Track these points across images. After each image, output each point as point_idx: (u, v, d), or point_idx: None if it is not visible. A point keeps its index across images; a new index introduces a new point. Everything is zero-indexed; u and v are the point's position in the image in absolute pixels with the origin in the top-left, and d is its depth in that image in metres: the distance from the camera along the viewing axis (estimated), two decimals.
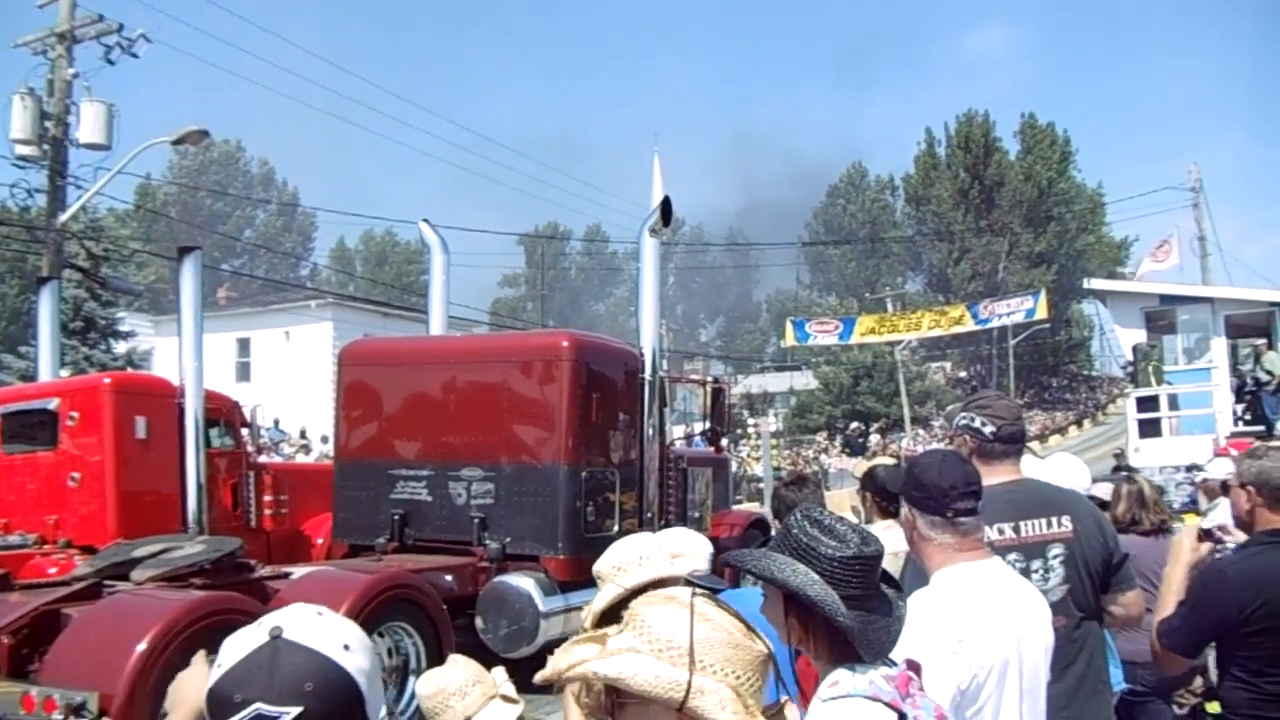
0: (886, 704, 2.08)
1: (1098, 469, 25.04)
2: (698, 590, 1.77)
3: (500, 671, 2.76)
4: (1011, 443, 3.50)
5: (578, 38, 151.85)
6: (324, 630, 1.48)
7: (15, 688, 5.79)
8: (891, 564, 3.75)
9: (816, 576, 2.19)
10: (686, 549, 3.06)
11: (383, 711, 1.53)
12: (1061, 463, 4.91)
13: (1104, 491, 6.30)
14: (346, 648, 1.47)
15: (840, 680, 2.15)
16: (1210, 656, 4.96)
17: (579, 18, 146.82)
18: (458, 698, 2.64)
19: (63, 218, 18.86)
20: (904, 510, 2.97)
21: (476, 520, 9.64)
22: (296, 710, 1.39)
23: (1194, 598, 3.53)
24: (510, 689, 2.69)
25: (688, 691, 1.70)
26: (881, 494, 4.68)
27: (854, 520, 2.30)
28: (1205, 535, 3.83)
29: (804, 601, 2.17)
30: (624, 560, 2.88)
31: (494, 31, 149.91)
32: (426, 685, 2.69)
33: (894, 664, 2.18)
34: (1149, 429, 18.71)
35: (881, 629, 2.16)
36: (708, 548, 3.19)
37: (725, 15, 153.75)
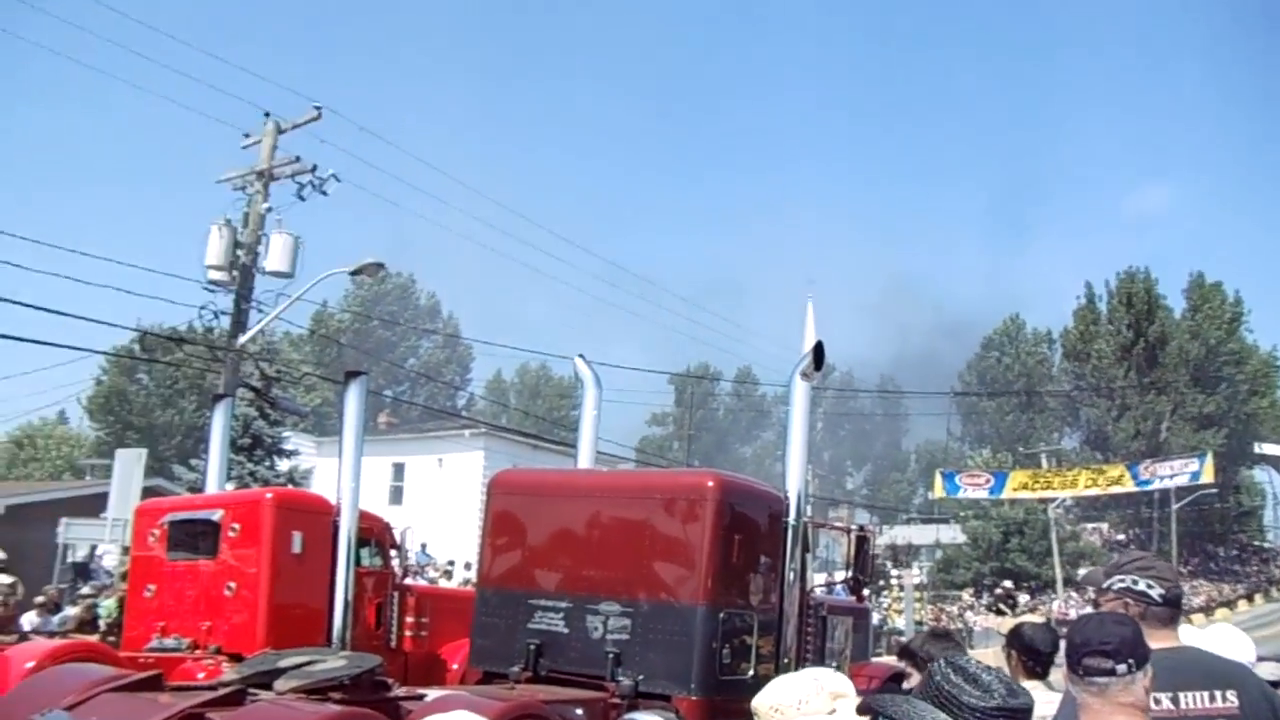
0: None
1: (1270, 649, 23.35)
2: None
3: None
4: (1178, 606, 3.36)
5: (739, 187, 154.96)
6: None
7: None
8: None
9: None
10: (848, 689, 3.02)
11: None
12: (1223, 633, 4.63)
13: (1268, 671, 5.89)
14: None
15: None
16: None
17: (740, 173, 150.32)
18: (796, 709, 2.71)
19: (243, 339, 20.03)
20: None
21: (611, 655, 9.57)
22: None
23: None
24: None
25: None
26: (1027, 652, 4.50)
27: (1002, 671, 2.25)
28: None
29: None
30: (783, 702, 2.86)
31: (664, 173, 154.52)
32: (763, 696, 2.77)
33: None
34: None
35: None
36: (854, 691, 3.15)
37: (878, 164, 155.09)
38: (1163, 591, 3.33)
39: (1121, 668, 2.75)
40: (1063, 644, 2.99)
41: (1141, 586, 3.37)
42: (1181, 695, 3.20)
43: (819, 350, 10.83)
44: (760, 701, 2.91)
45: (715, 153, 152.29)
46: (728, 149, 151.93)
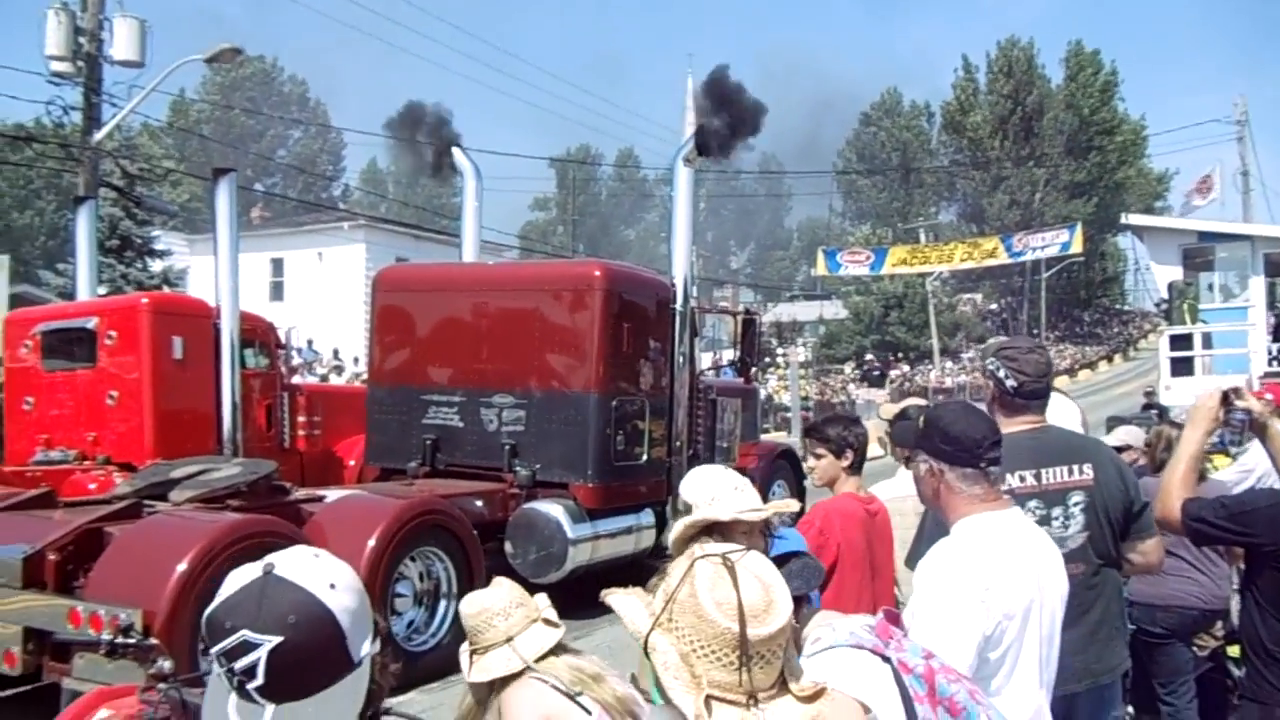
0: (869, 649, 2.17)
1: (1127, 404, 24.98)
2: (736, 552, 1.83)
3: (543, 597, 2.85)
4: (1033, 398, 3.52)
5: None
6: (314, 569, 1.59)
7: (62, 603, 5.98)
8: (917, 521, 3.81)
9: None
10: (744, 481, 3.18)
11: (365, 647, 1.62)
12: (1055, 406, 4.87)
13: (1132, 436, 6.32)
14: (332, 586, 1.58)
15: (820, 635, 2.25)
16: (1233, 601, 5.03)
17: None
18: (501, 618, 2.72)
19: (98, 136, 18.92)
20: (924, 464, 2.95)
21: (507, 447, 9.78)
22: (277, 639, 1.50)
23: (1242, 505, 3.54)
24: (552, 614, 2.78)
25: (644, 642, 1.79)
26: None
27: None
28: (1226, 399, 3.72)
29: None
30: (696, 498, 3.01)
31: None
32: (470, 605, 2.77)
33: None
34: (1181, 367, 18.56)
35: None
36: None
37: None
38: (1016, 384, 3.49)
39: (1001, 453, 2.90)
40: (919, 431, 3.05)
41: (1001, 374, 3.53)
42: (1043, 471, 3.41)
43: (701, 134, 10.74)
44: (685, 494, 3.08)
45: None
46: None
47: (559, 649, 2.66)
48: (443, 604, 7.96)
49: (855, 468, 4.35)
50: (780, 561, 2.38)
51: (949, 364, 51.39)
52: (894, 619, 2.28)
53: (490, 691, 2.67)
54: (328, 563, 1.62)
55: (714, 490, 3.04)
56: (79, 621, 5.69)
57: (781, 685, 1.75)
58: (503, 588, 2.83)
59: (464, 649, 2.78)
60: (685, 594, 1.75)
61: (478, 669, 2.69)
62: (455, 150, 13.01)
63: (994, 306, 68.41)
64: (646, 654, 1.79)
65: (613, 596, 1.94)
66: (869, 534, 4.19)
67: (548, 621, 2.74)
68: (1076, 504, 3.40)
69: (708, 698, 1.69)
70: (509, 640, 2.69)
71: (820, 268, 48.85)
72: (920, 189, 69.79)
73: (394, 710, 1.87)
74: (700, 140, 10.65)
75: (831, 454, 4.32)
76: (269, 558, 1.59)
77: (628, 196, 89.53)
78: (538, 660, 2.63)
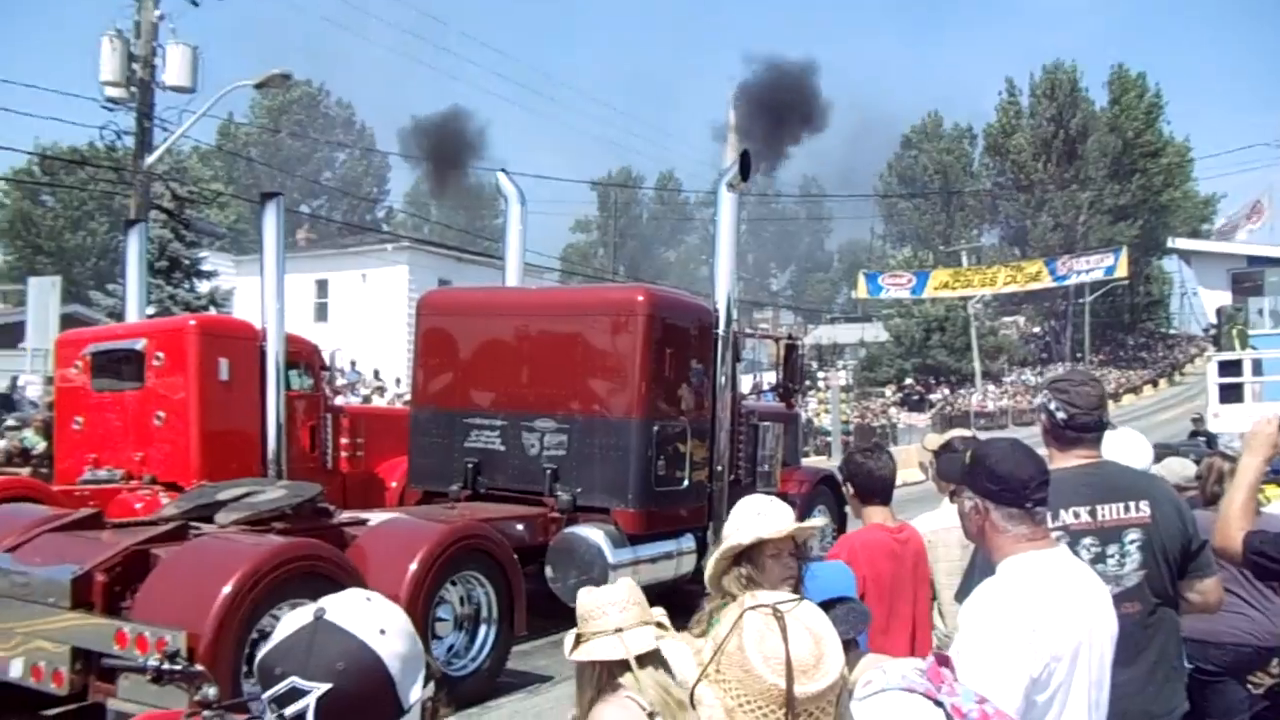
0: (921, 694, 2.12)
1: (1173, 430, 24.63)
2: (784, 604, 1.79)
3: (660, 610, 2.86)
4: (1085, 431, 3.46)
5: None
6: (365, 615, 1.59)
7: (109, 624, 6.04)
8: (961, 555, 3.75)
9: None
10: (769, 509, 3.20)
11: (415, 692, 1.61)
12: (1125, 440, 4.78)
13: (1178, 466, 6.20)
14: (382, 632, 1.57)
15: (871, 679, 2.21)
16: None
17: None
18: (616, 609, 2.74)
19: (150, 159, 19.25)
20: (969, 501, 2.89)
21: (548, 471, 9.78)
22: (326, 687, 1.50)
23: None
24: (666, 622, 2.80)
25: (691, 694, 1.76)
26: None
27: None
28: None
29: None
30: (727, 530, 3.14)
31: None
32: (589, 595, 2.81)
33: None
34: (1230, 394, 18.24)
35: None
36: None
37: None
38: (1066, 417, 3.44)
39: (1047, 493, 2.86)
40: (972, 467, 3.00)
41: (1052, 407, 3.48)
42: (1099, 508, 3.35)
43: (745, 159, 10.74)
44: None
45: None
46: None
47: (659, 661, 2.65)
48: (483, 629, 7.95)
49: (876, 498, 4.31)
50: (826, 607, 2.35)
51: (991, 388, 50.93)
52: (944, 661, 2.24)
53: (590, 685, 2.69)
54: (379, 607, 1.62)
55: (739, 519, 3.09)
56: (125, 642, 5.74)
57: None
58: (623, 585, 2.86)
59: (569, 634, 2.81)
60: (733, 646, 1.72)
61: (581, 650, 2.71)
62: (500, 174, 13.12)
63: (1037, 330, 67.79)
64: (692, 705, 1.76)
65: (663, 641, 1.92)
66: (897, 565, 4.14)
67: (660, 625, 2.75)
68: (1133, 542, 3.33)
69: None
70: (618, 631, 2.70)
71: (861, 291, 48.74)
72: (962, 212, 69.44)
73: None
74: (744, 165, 10.64)
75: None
76: (321, 602, 1.59)
77: (668, 219, 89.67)
78: (638, 657, 2.62)
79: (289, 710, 1.51)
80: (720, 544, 3.09)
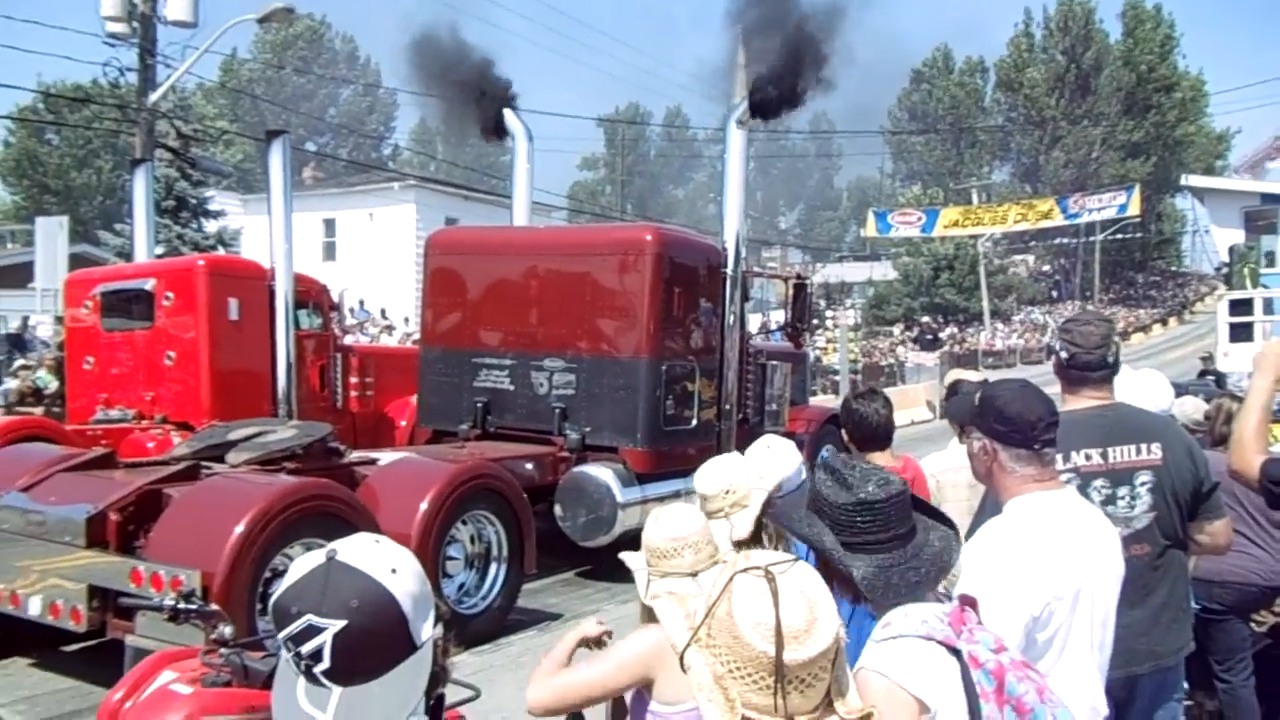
0: (940, 641, 2.10)
1: (1182, 369, 24.58)
2: (778, 565, 1.76)
3: (729, 547, 2.89)
4: (1087, 370, 3.44)
5: None
6: (376, 555, 1.61)
7: (124, 562, 6.10)
8: (969, 495, 3.76)
9: (824, 525, 2.24)
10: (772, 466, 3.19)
11: (427, 630, 1.64)
12: (1146, 381, 4.78)
13: (1190, 408, 6.20)
14: (394, 571, 1.59)
15: (892, 621, 2.18)
16: None
17: None
18: (691, 550, 2.75)
19: (153, 97, 19.08)
20: (978, 441, 2.90)
21: (557, 410, 9.82)
22: (341, 623, 1.52)
23: None
24: (733, 556, 2.81)
25: (681, 658, 1.75)
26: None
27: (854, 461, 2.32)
28: None
29: (818, 552, 2.25)
30: (709, 490, 3.12)
31: None
32: (664, 528, 2.80)
33: (948, 600, 2.21)
34: (1240, 333, 18.22)
35: (905, 571, 2.18)
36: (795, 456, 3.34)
37: None
38: (1067, 355, 3.43)
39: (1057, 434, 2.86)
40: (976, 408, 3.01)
41: (1056, 346, 3.48)
42: (1110, 450, 3.35)
43: (755, 95, 10.62)
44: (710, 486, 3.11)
45: None
46: None
47: None
48: (493, 567, 8.02)
49: (873, 444, 4.32)
50: None
51: (1000, 326, 50.82)
52: (969, 603, 2.22)
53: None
54: (388, 548, 1.64)
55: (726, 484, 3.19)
56: (140, 580, 5.81)
57: (827, 707, 1.70)
58: (693, 516, 2.86)
59: (639, 567, 2.80)
60: (723, 611, 1.69)
61: (658, 591, 2.70)
62: (506, 112, 12.98)
63: (1046, 268, 67.46)
64: (682, 669, 1.75)
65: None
66: None
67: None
68: (1144, 484, 3.34)
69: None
70: (694, 575, 2.70)
71: (870, 229, 48.53)
72: (973, 148, 68.76)
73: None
74: (754, 102, 10.53)
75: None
76: (331, 545, 1.61)
77: (676, 156, 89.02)
78: None
79: (305, 647, 1.53)
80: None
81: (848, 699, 1.73)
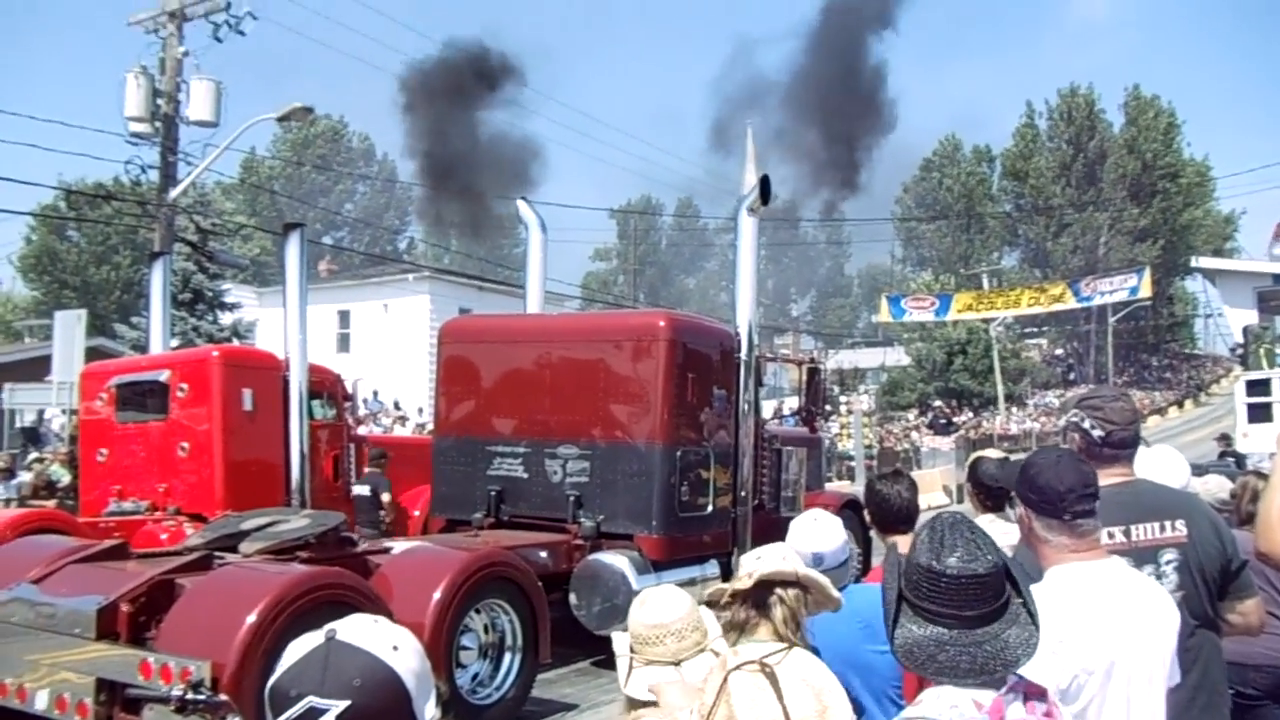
0: None
1: (1200, 451, 24.35)
2: (772, 656, 1.67)
3: (714, 624, 2.77)
4: (1122, 448, 3.40)
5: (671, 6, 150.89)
6: (375, 633, 1.58)
7: (134, 654, 6.01)
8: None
9: (894, 583, 2.17)
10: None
11: (430, 709, 1.60)
12: (1162, 457, 4.72)
13: (1215, 485, 6.10)
14: (395, 648, 1.56)
15: (924, 700, 2.12)
16: None
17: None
18: (675, 638, 2.65)
19: (174, 193, 19.44)
20: (1018, 509, 2.92)
21: (572, 498, 9.75)
22: (345, 704, 1.48)
23: None
24: (722, 645, 2.70)
25: None
26: (984, 489, 4.60)
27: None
28: None
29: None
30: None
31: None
32: (648, 614, 2.71)
33: (998, 686, 2.10)
34: (1259, 414, 18.01)
35: (958, 653, 2.08)
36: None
37: None
38: (1103, 434, 3.38)
39: (1096, 505, 2.81)
40: (1016, 483, 2.98)
41: (1087, 425, 3.42)
42: (1133, 528, 3.29)
43: (765, 184, 10.73)
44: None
45: None
46: None
47: None
48: (507, 656, 7.89)
49: (898, 525, 4.26)
50: None
51: (1014, 411, 50.61)
52: (1038, 694, 2.11)
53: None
54: (388, 627, 1.62)
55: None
56: (150, 673, 5.72)
57: None
58: (680, 601, 2.76)
59: (623, 653, 2.72)
60: (722, 716, 1.61)
61: (636, 683, 2.62)
62: (521, 203, 13.16)
63: (1060, 352, 67.39)
64: None
65: (647, 716, 1.83)
66: None
67: (716, 653, 2.65)
68: (1169, 562, 3.27)
69: None
70: (678, 664, 2.62)
71: (884, 314, 48.66)
72: (982, 235, 69.23)
73: None
74: (764, 189, 10.64)
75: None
76: (329, 625, 1.58)
77: (688, 245, 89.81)
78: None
79: None
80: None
81: None
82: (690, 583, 9.79)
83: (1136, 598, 2.78)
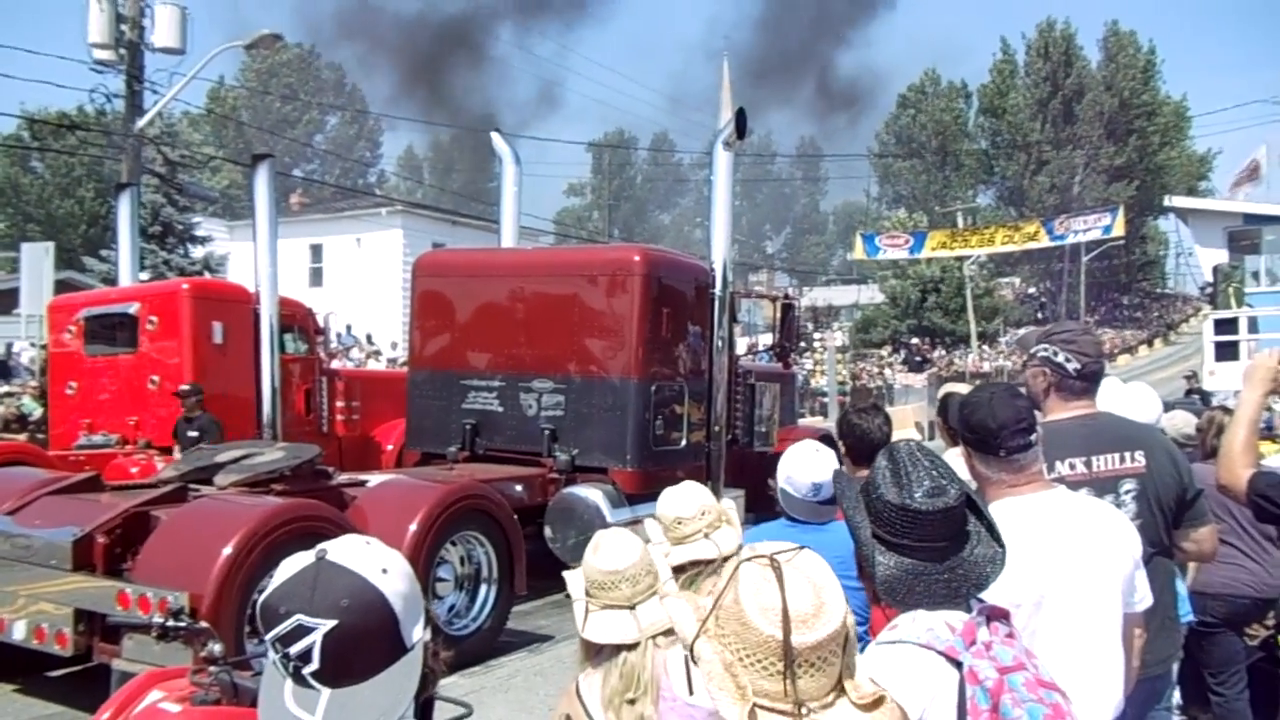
0: (940, 651, 2.06)
1: (1168, 389, 24.66)
2: (782, 554, 1.76)
3: (669, 576, 2.86)
4: (1093, 380, 3.47)
5: None
6: (366, 555, 1.59)
7: (111, 585, 6.05)
8: None
9: (864, 520, 2.22)
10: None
11: (418, 632, 1.62)
12: (1135, 392, 4.80)
13: (1180, 421, 6.21)
14: (384, 571, 1.58)
15: (899, 625, 2.16)
16: None
17: None
18: (629, 583, 2.73)
19: (140, 123, 19.09)
20: (962, 447, 2.99)
21: (546, 432, 9.80)
22: (332, 623, 1.50)
23: None
24: (673, 587, 2.78)
25: (691, 650, 1.75)
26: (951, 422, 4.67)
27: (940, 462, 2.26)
28: None
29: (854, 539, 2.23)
30: (685, 513, 3.22)
31: None
32: (603, 561, 2.80)
33: (969, 609, 2.16)
34: (1226, 352, 18.29)
35: (933, 582, 2.14)
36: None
37: None
38: (1078, 366, 3.44)
39: (1033, 437, 2.86)
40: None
41: (1060, 359, 3.46)
42: (1094, 458, 3.36)
43: (741, 117, 10.65)
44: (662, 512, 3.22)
45: None
46: None
47: (669, 632, 2.64)
48: (483, 588, 7.99)
49: (870, 459, 4.31)
50: None
51: (986, 349, 50.97)
52: (1001, 615, 2.15)
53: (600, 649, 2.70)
54: (379, 549, 1.63)
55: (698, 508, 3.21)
56: (128, 603, 5.76)
57: (838, 690, 1.68)
58: (633, 547, 2.84)
59: (579, 596, 2.80)
60: (730, 599, 1.69)
61: (594, 627, 2.71)
62: (495, 135, 13.04)
63: (1032, 290, 67.75)
64: (693, 660, 1.75)
65: (668, 600, 1.90)
66: None
67: (662, 596, 2.75)
68: (1128, 491, 3.35)
69: (754, 707, 1.64)
70: (632, 608, 2.69)
71: (858, 252, 48.68)
72: (958, 172, 69.12)
73: (438, 695, 1.87)
74: (740, 123, 10.57)
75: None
76: (321, 545, 1.59)
77: (662, 181, 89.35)
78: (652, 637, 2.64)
79: (294, 648, 1.51)
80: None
81: (859, 683, 1.71)
82: None
83: (1077, 527, 2.81)
